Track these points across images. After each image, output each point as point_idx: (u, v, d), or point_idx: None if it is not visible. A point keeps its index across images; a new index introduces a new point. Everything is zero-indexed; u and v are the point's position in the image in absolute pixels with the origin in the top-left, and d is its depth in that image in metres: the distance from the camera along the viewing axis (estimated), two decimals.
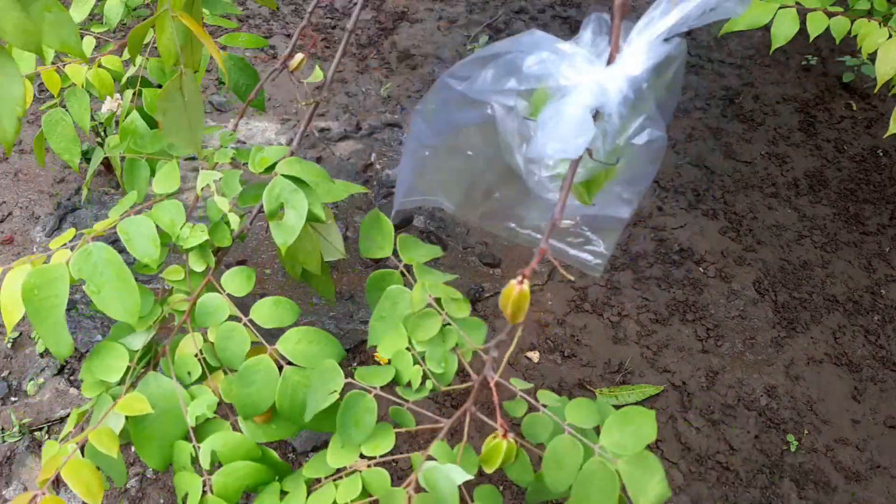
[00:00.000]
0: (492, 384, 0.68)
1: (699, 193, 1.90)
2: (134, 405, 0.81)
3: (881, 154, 2.03)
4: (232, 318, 0.89)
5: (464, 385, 0.76)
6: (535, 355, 1.52)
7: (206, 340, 0.89)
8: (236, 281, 0.92)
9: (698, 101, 2.18)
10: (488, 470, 0.69)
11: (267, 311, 0.90)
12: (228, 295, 0.90)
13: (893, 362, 1.55)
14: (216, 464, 0.81)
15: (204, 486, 0.79)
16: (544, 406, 0.74)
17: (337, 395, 0.78)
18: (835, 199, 1.90)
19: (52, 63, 1.16)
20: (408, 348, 0.83)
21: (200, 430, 0.85)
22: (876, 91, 1.64)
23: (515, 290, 0.58)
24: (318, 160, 1.94)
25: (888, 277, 1.71)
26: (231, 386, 0.86)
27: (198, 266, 0.92)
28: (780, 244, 1.78)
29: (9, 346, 1.49)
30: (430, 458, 0.71)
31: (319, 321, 1.53)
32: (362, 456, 0.76)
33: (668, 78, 0.62)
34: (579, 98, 0.57)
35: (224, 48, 1.27)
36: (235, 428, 0.86)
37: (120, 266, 0.81)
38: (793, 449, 1.40)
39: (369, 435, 0.77)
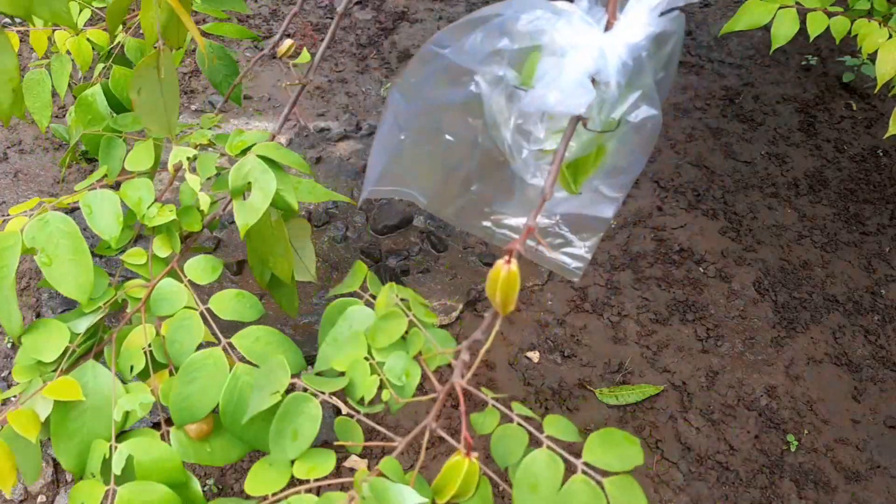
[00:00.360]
0: (459, 391, 0.57)
1: (699, 193, 1.90)
2: (64, 390, 0.71)
3: (881, 154, 2.03)
4: (189, 307, 0.80)
5: (427, 397, 0.65)
6: (535, 355, 1.52)
7: (158, 334, 0.80)
8: (200, 268, 0.84)
9: (698, 101, 2.18)
10: (441, 500, 0.58)
11: (228, 303, 0.82)
12: (190, 282, 0.82)
13: (893, 362, 1.55)
14: (132, 477, 0.69)
15: (105, 498, 0.65)
16: (519, 417, 0.62)
17: (279, 397, 0.67)
18: (835, 199, 1.90)
19: (51, 27, 1.18)
20: (366, 358, 0.73)
21: (125, 436, 0.73)
22: (876, 91, 1.64)
23: (503, 271, 0.50)
24: (318, 160, 1.94)
25: (888, 277, 1.71)
26: (171, 385, 0.75)
27: (162, 251, 0.85)
28: (780, 244, 1.78)
29: (9, 346, 1.49)
30: (379, 474, 0.59)
31: (319, 321, 1.53)
32: (292, 482, 0.63)
33: (666, 54, 0.59)
34: (578, 60, 0.54)
35: (207, 36, 1.26)
36: (165, 440, 0.75)
37: (77, 239, 0.75)
38: (793, 449, 1.40)
39: (305, 451, 0.64)
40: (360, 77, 2.25)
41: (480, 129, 0.68)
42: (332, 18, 2.47)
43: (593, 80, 0.55)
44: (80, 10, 1.22)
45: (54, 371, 0.78)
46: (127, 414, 0.73)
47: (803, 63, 2.31)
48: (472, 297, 1.61)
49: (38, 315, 1.52)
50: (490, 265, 1.68)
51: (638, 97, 0.59)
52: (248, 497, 0.64)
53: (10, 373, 1.45)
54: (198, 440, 0.76)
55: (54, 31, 1.16)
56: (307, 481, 0.62)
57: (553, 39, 0.56)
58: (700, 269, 1.72)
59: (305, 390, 0.68)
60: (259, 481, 0.63)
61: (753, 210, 1.86)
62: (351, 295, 0.82)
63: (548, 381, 1.48)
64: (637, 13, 0.55)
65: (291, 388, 0.68)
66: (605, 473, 0.55)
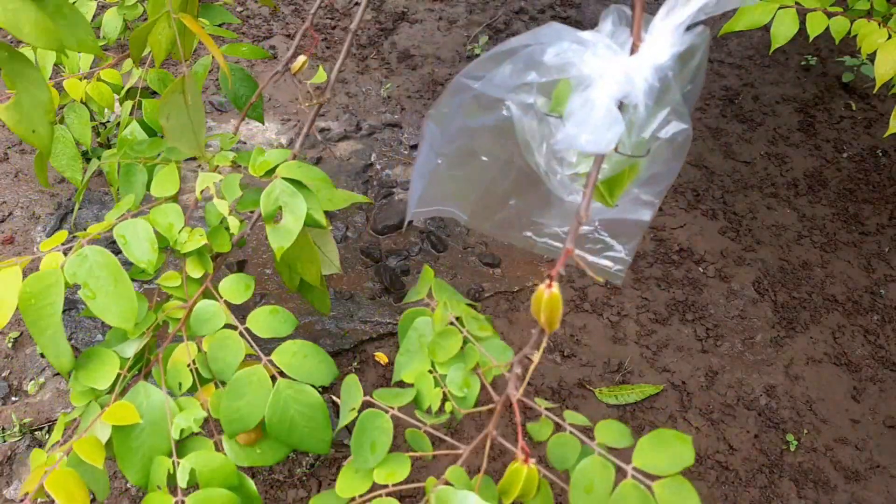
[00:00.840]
0: (514, 403, 0.63)
1: (699, 193, 1.90)
2: (121, 414, 0.77)
3: (881, 154, 2.03)
4: (228, 326, 0.85)
5: (486, 407, 0.72)
6: (535, 356, 1.52)
7: (200, 350, 0.85)
8: (234, 288, 0.89)
9: (698, 101, 2.18)
10: (507, 501, 0.63)
11: (263, 321, 0.87)
12: (226, 302, 0.88)
13: (893, 362, 1.55)
14: (193, 486, 0.75)
15: None
16: (572, 426, 0.68)
17: (356, 413, 0.75)
18: (834, 199, 1.90)
19: (51, 79, 1.16)
20: (430, 371, 0.80)
21: (183, 447, 0.80)
22: (875, 91, 1.64)
23: (546, 295, 0.55)
24: (318, 160, 1.94)
25: (887, 277, 1.71)
26: (220, 399, 0.81)
27: (195, 272, 0.89)
28: (779, 244, 1.78)
29: (9, 346, 1.49)
30: (446, 483, 0.66)
31: (320, 321, 1.53)
32: (374, 486, 0.71)
33: (692, 67, 0.60)
34: (605, 88, 0.55)
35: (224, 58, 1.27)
36: (219, 449, 0.82)
37: (117, 270, 0.78)
38: (792, 448, 1.41)
39: (383, 459, 0.72)
40: (360, 77, 2.25)
41: (514, 149, 0.70)
42: (331, 18, 2.47)
43: (621, 104, 0.55)
44: (81, 56, 1.21)
45: (109, 394, 0.82)
46: (182, 430, 0.79)
47: (803, 63, 2.32)
48: (473, 297, 1.62)
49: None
50: (490, 265, 1.69)
51: (667, 114, 0.61)
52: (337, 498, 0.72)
53: (10, 373, 1.45)
54: (248, 445, 0.83)
55: (58, 81, 1.14)
56: (386, 486, 0.70)
57: (581, 72, 0.57)
58: (700, 269, 1.72)
59: (377, 406, 0.75)
60: (347, 485, 0.72)
61: (753, 210, 1.86)
62: (419, 303, 0.88)
63: (547, 381, 1.49)
64: (662, 32, 0.55)
65: (366, 405, 0.76)
66: (656, 477, 0.58)
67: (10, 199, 1.80)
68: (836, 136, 2.08)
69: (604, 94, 0.55)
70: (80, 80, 1.14)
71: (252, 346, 0.84)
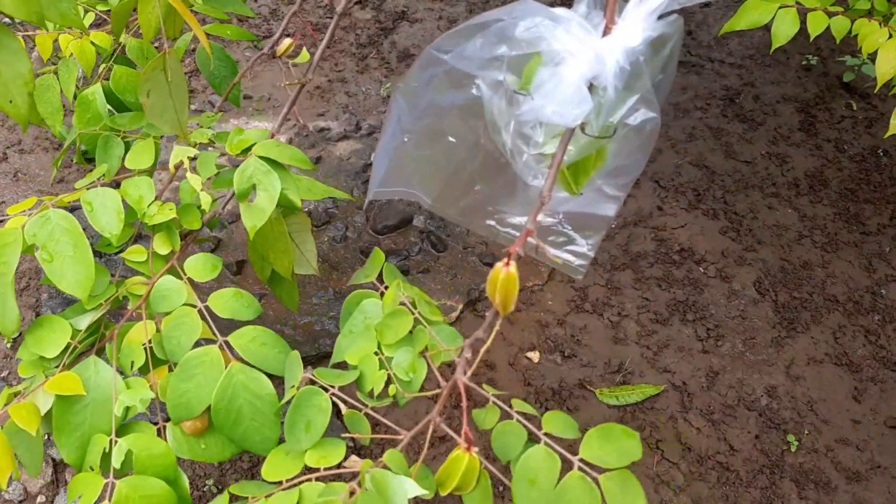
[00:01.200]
0: (461, 388, 0.60)
1: (699, 193, 1.90)
2: (66, 384, 0.73)
3: (881, 154, 2.03)
4: (188, 305, 0.81)
5: (432, 392, 0.68)
6: (535, 355, 1.52)
7: (158, 331, 0.81)
8: (200, 266, 0.86)
9: (698, 101, 2.18)
10: (444, 491, 0.60)
11: (225, 302, 0.83)
12: (190, 280, 0.84)
13: (894, 362, 1.55)
14: (129, 472, 0.71)
15: (104, 491, 0.67)
16: (519, 414, 0.64)
17: (295, 391, 0.70)
18: (835, 199, 1.89)
19: (56, 31, 1.17)
20: (375, 353, 0.76)
21: (124, 430, 0.75)
22: (876, 91, 1.64)
23: (502, 273, 0.52)
24: (318, 160, 1.94)
25: (888, 277, 1.71)
26: (168, 380, 0.76)
27: (162, 249, 0.86)
28: (780, 244, 1.78)
29: (8, 346, 1.49)
30: (383, 466, 0.62)
31: (319, 321, 1.53)
32: (305, 470, 0.67)
33: (664, 56, 0.60)
34: (576, 66, 0.54)
35: (208, 37, 1.26)
36: (161, 436, 0.77)
37: (78, 236, 0.76)
38: (793, 449, 1.40)
39: (317, 442, 0.68)
40: (359, 77, 2.25)
41: (482, 130, 0.68)
42: (331, 18, 2.47)
43: (591, 86, 0.55)
44: (84, 14, 1.22)
45: (57, 367, 0.79)
46: (127, 409, 0.75)
47: (804, 63, 2.31)
48: (473, 297, 1.61)
49: (38, 315, 1.52)
50: (490, 265, 1.68)
51: (636, 100, 0.60)
52: (264, 482, 0.67)
53: (10, 373, 1.45)
54: (193, 436, 0.77)
55: (59, 35, 1.16)
56: (318, 470, 0.65)
57: (551, 46, 0.56)
58: (700, 269, 1.72)
59: (315, 384, 0.71)
60: (275, 468, 0.67)
61: (754, 210, 1.86)
62: (369, 287, 0.85)
63: (548, 382, 1.48)
64: (635, 17, 0.55)
65: (307, 383, 0.71)
66: (603, 470, 0.56)
67: (10, 199, 1.79)
68: (837, 135, 2.08)
69: (574, 72, 0.54)
70: (76, 37, 1.14)
71: (210, 328, 0.80)
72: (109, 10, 1.28)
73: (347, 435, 0.70)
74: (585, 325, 1.59)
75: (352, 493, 0.58)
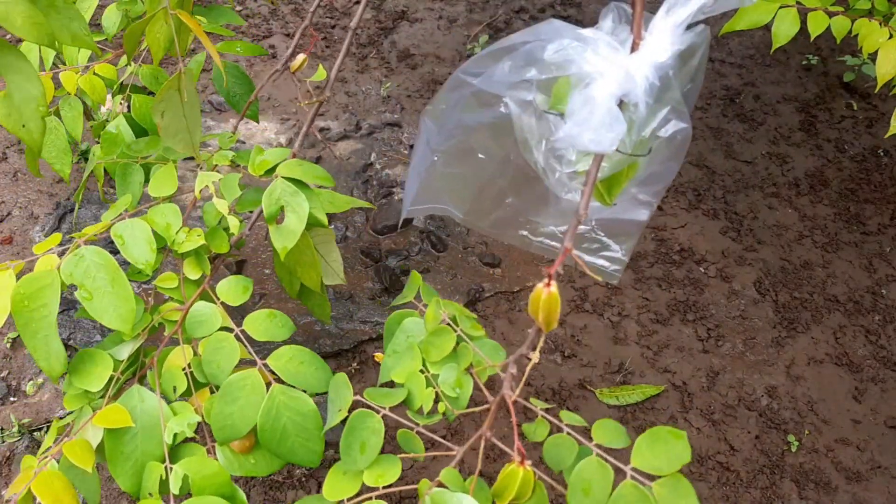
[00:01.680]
0: (510, 403, 0.62)
1: (700, 193, 1.90)
2: (113, 417, 0.75)
3: (882, 154, 2.03)
4: (224, 329, 0.83)
5: (479, 408, 0.70)
6: (535, 355, 1.52)
7: (195, 354, 0.83)
8: (232, 290, 0.87)
9: (699, 100, 2.18)
10: (501, 503, 0.62)
11: (261, 324, 0.85)
12: (223, 304, 0.86)
13: (894, 362, 1.55)
14: (186, 494, 0.73)
15: None
16: (568, 426, 0.67)
17: (345, 414, 0.73)
18: (835, 199, 1.89)
19: (51, 69, 1.15)
20: (421, 371, 0.78)
21: (175, 454, 0.78)
22: (877, 91, 1.64)
23: (544, 294, 0.54)
24: (318, 160, 1.94)
25: (889, 277, 1.71)
26: (212, 403, 0.79)
27: (193, 274, 0.88)
28: (780, 244, 1.78)
29: (8, 346, 1.49)
30: (439, 484, 0.64)
31: (319, 322, 1.53)
32: (364, 489, 0.69)
33: (692, 66, 0.60)
34: (605, 86, 0.54)
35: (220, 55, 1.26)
36: (211, 456, 0.79)
37: (115, 270, 0.77)
38: (793, 449, 1.40)
39: (373, 461, 0.70)
40: (360, 77, 2.24)
41: (511, 147, 0.69)
42: (331, 18, 2.47)
43: (621, 102, 0.55)
44: (80, 49, 1.20)
45: (102, 398, 0.81)
46: (175, 434, 0.77)
47: (804, 63, 2.31)
48: (473, 297, 1.61)
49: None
50: (490, 265, 1.68)
51: (667, 112, 0.60)
52: (323, 499, 0.70)
53: (9, 373, 1.45)
54: (242, 454, 0.81)
55: (55, 73, 1.14)
56: (376, 488, 0.68)
57: (581, 69, 0.56)
58: (700, 269, 1.72)
59: (368, 406, 0.73)
60: (335, 488, 0.70)
61: (754, 210, 1.86)
62: (407, 305, 0.87)
63: (548, 382, 1.48)
64: (662, 31, 0.55)
65: (356, 405, 0.74)
66: (655, 477, 0.58)
67: (9, 199, 1.79)
68: (838, 135, 2.08)
69: (604, 92, 0.54)
70: (77, 73, 1.13)
71: (248, 350, 0.82)
72: (105, 40, 1.28)
73: (403, 455, 0.72)
74: (585, 325, 1.59)
75: None
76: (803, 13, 1.28)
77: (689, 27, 0.56)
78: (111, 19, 1.28)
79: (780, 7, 1.29)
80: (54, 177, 1.85)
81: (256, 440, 0.79)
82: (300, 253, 0.89)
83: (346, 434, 0.71)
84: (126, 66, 1.18)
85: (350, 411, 0.73)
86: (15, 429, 1.36)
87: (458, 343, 0.78)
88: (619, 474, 0.59)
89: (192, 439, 0.82)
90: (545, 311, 0.55)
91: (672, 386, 1.49)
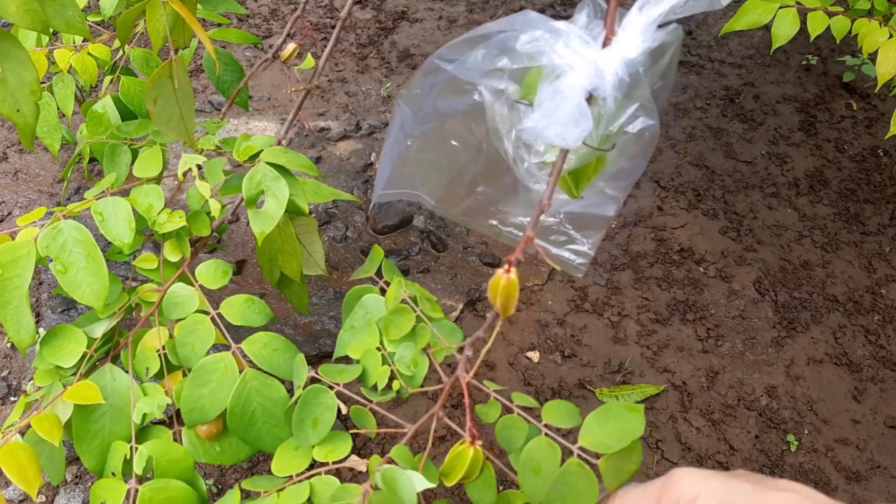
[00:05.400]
0: (463, 384, 0.61)
1: (699, 193, 1.90)
2: (84, 393, 0.73)
3: (882, 154, 2.03)
4: (201, 312, 0.83)
5: (434, 388, 0.69)
6: (535, 355, 1.52)
7: (171, 337, 0.82)
8: (211, 273, 0.87)
9: (698, 101, 2.18)
10: (449, 483, 0.62)
11: (238, 308, 0.84)
12: (202, 287, 0.85)
13: (894, 362, 1.55)
14: (149, 475, 0.72)
15: (128, 496, 0.68)
16: (519, 408, 0.66)
17: (301, 391, 0.72)
18: (835, 199, 1.90)
19: (47, 45, 1.16)
20: (378, 348, 0.78)
21: (141, 436, 0.77)
22: (877, 91, 1.64)
23: (503, 280, 0.53)
24: (318, 160, 1.94)
25: (888, 277, 1.71)
26: (183, 386, 0.78)
27: (173, 256, 0.87)
28: (780, 244, 1.78)
29: (8, 345, 1.49)
30: (390, 461, 0.63)
31: (320, 321, 1.53)
32: (313, 465, 0.68)
33: (663, 65, 0.60)
34: (575, 79, 0.55)
35: (213, 42, 1.26)
36: (178, 440, 0.78)
37: (91, 246, 0.76)
38: (793, 449, 1.40)
39: (325, 437, 0.69)
40: (360, 77, 2.24)
41: (484, 135, 0.69)
42: (331, 18, 2.47)
43: (590, 97, 0.55)
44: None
45: (73, 375, 0.80)
46: (145, 415, 0.77)
47: (804, 63, 2.31)
48: (473, 297, 1.61)
49: (39, 315, 1.52)
50: (490, 265, 1.68)
51: (635, 109, 0.60)
52: (274, 477, 0.70)
53: (10, 372, 1.45)
54: (208, 440, 0.79)
55: (51, 50, 1.15)
56: (326, 464, 0.67)
57: (552, 61, 0.56)
58: (700, 269, 1.72)
59: (320, 382, 0.73)
60: (284, 463, 0.69)
61: (754, 210, 1.86)
62: (368, 281, 0.87)
63: (548, 381, 1.48)
64: (635, 28, 0.55)
65: (312, 381, 0.73)
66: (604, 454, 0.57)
67: (9, 199, 1.79)
68: (837, 135, 2.08)
69: (573, 86, 0.54)
70: (72, 51, 1.14)
71: (223, 334, 0.81)
72: (101, 21, 1.28)
73: (354, 431, 0.71)
74: (585, 324, 1.59)
75: (365, 495, 0.59)
76: (803, 13, 1.29)
77: (662, 26, 0.56)
78: (110, 0, 1.28)
79: (780, 7, 1.29)
80: (55, 177, 1.85)
81: (225, 427, 0.78)
82: (282, 241, 0.89)
83: (299, 410, 0.71)
84: (119, 45, 1.18)
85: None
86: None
87: (417, 323, 0.78)
88: (568, 454, 0.58)
89: (163, 423, 0.82)
90: (503, 297, 0.54)
91: (672, 386, 1.49)
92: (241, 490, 0.70)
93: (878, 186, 1.93)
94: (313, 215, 1.77)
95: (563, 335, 1.57)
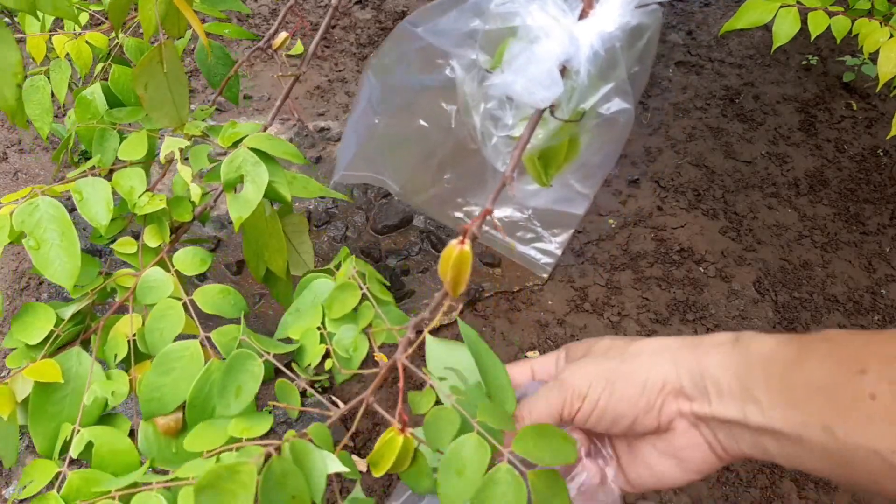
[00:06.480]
0: (400, 367, 0.56)
1: (699, 193, 1.90)
2: (45, 371, 0.71)
3: (881, 154, 2.03)
4: (174, 298, 0.80)
5: (370, 370, 0.64)
6: (534, 355, 1.52)
7: (144, 325, 0.79)
8: (189, 260, 0.85)
9: (698, 101, 2.18)
10: (378, 472, 0.56)
11: (211, 297, 0.81)
12: (177, 272, 0.82)
13: None
14: (84, 463, 0.68)
15: (55, 479, 0.64)
16: (456, 400, 0.59)
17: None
18: (835, 199, 1.89)
19: (49, 31, 1.16)
20: (318, 328, 0.73)
21: (100, 423, 0.73)
22: (878, 90, 1.64)
23: (455, 251, 0.50)
24: (318, 160, 1.94)
25: (888, 277, 1.71)
26: (145, 373, 0.73)
27: (153, 241, 0.85)
28: (780, 244, 1.78)
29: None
30: (308, 439, 0.58)
31: None
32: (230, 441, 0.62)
33: (640, 47, 0.59)
34: (548, 45, 0.53)
35: (208, 35, 1.26)
36: (133, 434, 0.73)
37: (66, 225, 0.75)
38: None
39: (245, 409, 0.63)
40: (360, 77, 2.24)
41: (454, 114, 0.67)
42: (332, 17, 2.47)
43: (563, 69, 0.54)
44: (78, 14, 1.21)
45: (38, 351, 0.78)
46: (106, 402, 0.73)
47: (804, 63, 2.31)
48: (472, 297, 1.61)
49: None
50: (490, 265, 1.68)
51: (610, 89, 0.59)
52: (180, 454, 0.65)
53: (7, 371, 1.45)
54: (165, 436, 0.74)
55: (51, 35, 1.15)
56: (240, 439, 0.61)
57: (525, 23, 0.55)
58: (700, 268, 1.72)
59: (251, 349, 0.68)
60: (198, 438, 0.62)
61: (754, 210, 1.86)
62: (325, 272, 0.84)
63: None
64: (613, 3, 0.54)
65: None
66: (534, 466, 0.53)
67: None
68: (837, 135, 2.08)
69: (546, 52, 0.53)
70: (69, 38, 1.14)
71: (194, 321, 0.78)
72: (103, 11, 1.28)
73: (273, 404, 0.66)
74: (585, 324, 1.59)
75: (267, 458, 0.53)
76: (804, 13, 1.29)
77: (642, 7, 0.55)
78: None
79: (781, 6, 1.29)
80: (55, 177, 1.85)
81: (184, 424, 0.73)
82: (268, 236, 0.87)
83: (223, 375, 0.65)
84: (113, 30, 1.18)
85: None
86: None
87: (361, 301, 0.74)
88: (497, 456, 0.53)
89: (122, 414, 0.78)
90: (454, 271, 0.50)
91: None
92: (152, 469, 0.65)
93: (877, 186, 1.93)
94: (312, 215, 1.77)
95: (563, 335, 1.56)
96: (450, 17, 0.60)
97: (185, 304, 0.79)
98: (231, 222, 1.69)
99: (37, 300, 1.54)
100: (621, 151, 0.64)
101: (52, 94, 1.15)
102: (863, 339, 0.46)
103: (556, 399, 0.56)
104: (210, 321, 0.80)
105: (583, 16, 0.54)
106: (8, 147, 1.93)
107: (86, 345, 0.82)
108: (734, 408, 0.50)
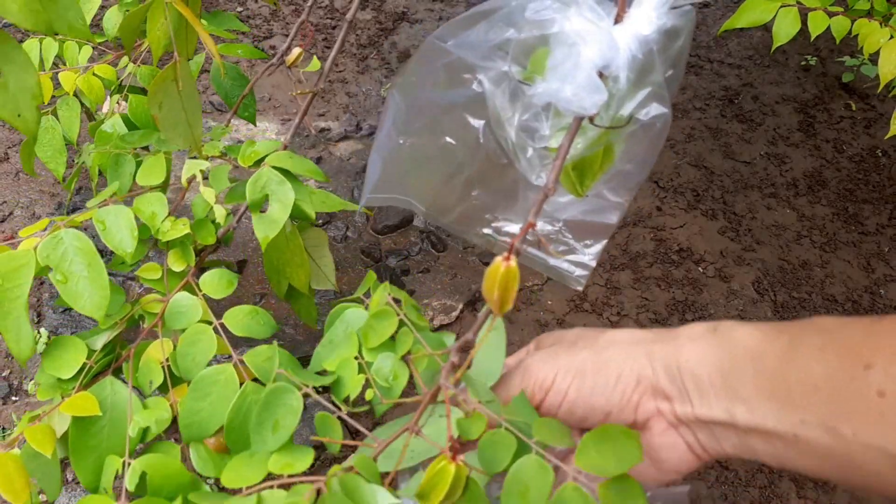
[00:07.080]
0: (445, 395, 0.55)
1: (698, 193, 1.90)
2: (81, 405, 0.70)
3: (880, 154, 2.03)
4: (204, 322, 0.80)
5: (413, 399, 0.62)
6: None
7: (175, 348, 0.79)
8: (216, 283, 0.85)
9: (698, 101, 2.18)
10: None
11: (241, 319, 0.81)
12: (205, 296, 0.83)
13: None
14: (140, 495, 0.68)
15: None
16: (507, 422, 0.58)
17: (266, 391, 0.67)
18: (834, 200, 1.90)
19: (51, 69, 1.15)
20: (356, 358, 0.72)
21: (147, 451, 0.72)
22: (879, 91, 1.64)
23: (502, 267, 0.48)
24: (318, 160, 1.94)
25: (887, 277, 1.71)
26: (184, 399, 0.73)
27: (177, 265, 0.85)
28: (779, 244, 1.78)
29: None
30: (354, 471, 0.57)
31: (320, 321, 1.53)
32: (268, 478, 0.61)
33: (676, 50, 0.58)
34: (587, 51, 0.52)
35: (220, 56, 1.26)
36: (185, 456, 0.73)
37: (92, 256, 0.74)
38: None
39: (284, 444, 0.62)
40: (360, 77, 2.25)
41: (483, 129, 0.66)
42: (331, 18, 2.47)
43: (601, 74, 0.53)
44: (80, 48, 1.20)
45: (74, 389, 0.77)
46: (145, 430, 0.73)
47: (803, 63, 2.32)
48: (473, 297, 1.61)
49: (40, 315, 1.52)
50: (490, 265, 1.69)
51: (647, 94, 0.57)
52: (223, 490, 0.63)
53: (11, 372, 1.45)
54: (218, 454, 0.75)
55: (55, 73, 1.14)
56: (280, 476, 0.60)
57: (563, 29, 0.53)
58: (699, 268, 1.72)
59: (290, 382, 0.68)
60: (236, 474, 0.61)
61: (753, 210, 1.86)
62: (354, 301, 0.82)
63: None
64: (648, 6, 0.53)
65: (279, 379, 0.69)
66: (601, 479, 0.52)
67: (11, 199, 1.79)
68: (836, 136, 2.08)
69: (586, 58, 0.52)
70: (76, 73, 1.13)
71: (226, 344, 0.78)
72: (107, 41, 1.27)
73: (315, 438, 0.64)
74: (585, 324, 1.59)
75: (318, 493, 0.52)
76: (803, 13, 1.29)
77: (675, 8, 0.54)
78: (112, 20, 1.28)
79: (781, 6, 1.29)
80: (55, 178, 1.85)
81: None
82: (290, 253, 0.87)
83: (260, 411, 0.63)
84: (125, 66, 1.18)
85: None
86: (16, 428, 1.36)
87: (399, 328, 0.72)
88: (561, 475, 0.52)
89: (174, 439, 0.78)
90: (501, 289, 0.48)
91: None
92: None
93: (876, 187, 1.94)
94: (316, 216, 1.77)
95: None
96: (479, 29, 0.58)
97: (215, 328, 0.79)
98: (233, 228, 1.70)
99: (38, 300, 1.55)
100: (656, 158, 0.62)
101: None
102: (861, 330, 0.44)
103: (517, 386, 0.54)
104: (240, 339, 0.82)
105: (618, 19, 0.53)
106: (9, 147, 1.93)
107: (117, 373, 0.81)
108: (719, 408, 0.47)
